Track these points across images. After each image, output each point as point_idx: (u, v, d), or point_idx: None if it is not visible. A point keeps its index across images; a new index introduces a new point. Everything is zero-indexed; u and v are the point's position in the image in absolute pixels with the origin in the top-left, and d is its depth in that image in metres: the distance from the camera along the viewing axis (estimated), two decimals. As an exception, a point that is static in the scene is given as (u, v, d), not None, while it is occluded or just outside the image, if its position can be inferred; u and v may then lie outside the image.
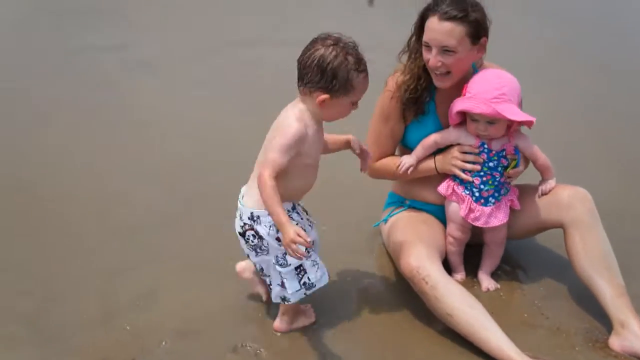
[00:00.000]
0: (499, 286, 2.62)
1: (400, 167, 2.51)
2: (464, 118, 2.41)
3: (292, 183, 2.15)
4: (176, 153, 3.76)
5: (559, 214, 2.47)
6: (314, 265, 2.22)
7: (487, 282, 2.62)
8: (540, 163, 2.50)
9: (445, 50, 2.29)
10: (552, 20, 6.79)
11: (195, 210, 3.16)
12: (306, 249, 2.05)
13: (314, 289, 2.24)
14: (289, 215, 2.07)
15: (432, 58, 2.33)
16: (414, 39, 2.44)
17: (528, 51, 5.70)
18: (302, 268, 2.20)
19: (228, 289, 2.56)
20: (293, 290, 2.21)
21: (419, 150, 2.50)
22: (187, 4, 7.05)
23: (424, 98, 2.48)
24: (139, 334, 2.33)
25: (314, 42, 2.08)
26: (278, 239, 2.12)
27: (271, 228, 2.14)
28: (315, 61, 2.03)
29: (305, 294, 2.24)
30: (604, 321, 2.37)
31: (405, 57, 2.50)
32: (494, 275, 2.67)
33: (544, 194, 2.51)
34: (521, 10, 6.83)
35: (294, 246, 1.96)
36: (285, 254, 2.12)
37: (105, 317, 2.41)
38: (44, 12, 6.60)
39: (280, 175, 2.04)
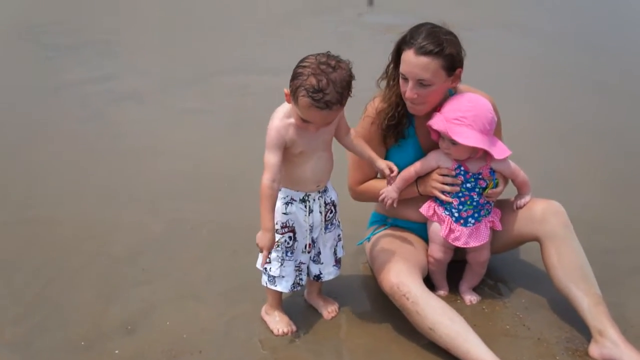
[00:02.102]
0: (480, 298, 2.67)
1: (383, 202, 2.55)
2: None
3: (290, 173, 2.30)
4: (164, 179, 3.81)
5: (533, 228, 2.52)
6: (279, 262, 2.36)
7: (469, 295, 2.68)
8: (519, 180, 2.56)
9: (421, 83, 2.34)
10: (535, 38, 6.92)
11: (184, 234, 3.20)
12: (287, 252, 2.34)
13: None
14: (290, 203, 2.32)
15: (408, 90, 2.38)
16: (391, 66, 2.50)
17: (510, 68, 5.81)
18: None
19: (217, 310, 2.60)
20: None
21: (399, 183, 2.53)
22: (173, 35, 7.14)
23: (403, 124, 2.54)
24: (127, 357, 2.35)
25: (327, 54, 2.12)
26: None
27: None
28: (299, 62, 2.12)
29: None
30: (584, 330, 2.41)
31: (383, 83, 2.55)
32: (477, 287, 2.73)
33: (518, 208, 2.57)
34: (505, 29, 6.97)
35: (258, 248, 2.21)
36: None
37: (95, 341, 2.43)
38: (29, 45, 6.67)
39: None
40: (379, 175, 2.70)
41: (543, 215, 2.50)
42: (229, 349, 2.39)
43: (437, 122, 2.38)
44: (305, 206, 2.36)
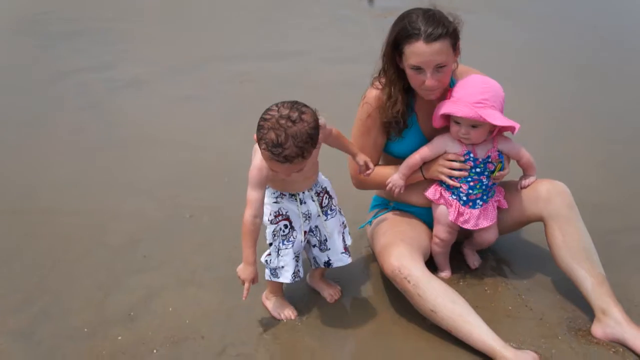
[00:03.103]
0: (480, 261, 2.70)
1: (391, 191, 2.53)
2: (448, 122, 2.44)
3: (277, 184, 2.33)
4: (163, 167, 3.80)
5: (538, 208, 2.51)
6: (277, 253, 2.36)
7: (472, 258, 2.70)
8: (524, 161, 2.54)
9: (438, 68, 2.30)
10: (528, 22, 6.89)
11: (184, 221, 3.20)
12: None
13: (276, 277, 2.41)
14: (279, 200, 2.34)
15: (429, 80, 2.31)
16: (388, 67, 2.42)
17: (506, 53, 5.78)
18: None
19: (219, 296, 2.60)
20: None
21: (405, 169, 2.51)
22: (171, 23, 7.11)
23: (406, 116, 2.51)
24: (131, 343, 2.36)
25: (292, 105, 2.09)
26: None
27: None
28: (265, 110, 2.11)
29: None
30: (586, 310, 2.42)
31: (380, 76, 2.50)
32: (480, 269, 2.72)
33: (523, 187, 2.56)
34: (498, 14, 6.94)
35: (240, 280, 2.28)
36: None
37: (98, 328, 2.44)
38: (26, 34, 6.65)
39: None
40: (380, 162, 2.68)
41: (548, 195, 2.49)
42: (231, 334, 2.39)
43: (462, 109, 2.31)
44: (296, 199, 2.35)
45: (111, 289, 2.67)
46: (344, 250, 2.47)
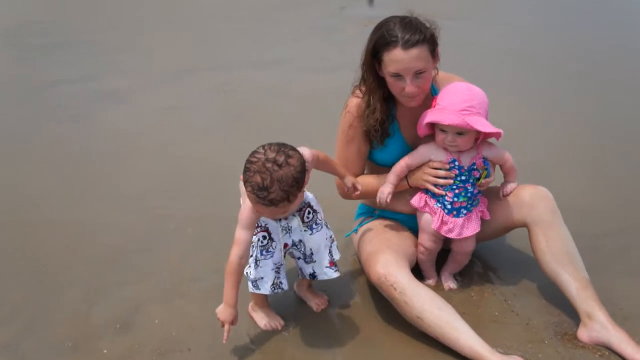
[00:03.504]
0: (457, 286, 2.68)
1: (381, 201, 2.51)
2: (433, 130, 2.44)
3: None
4: (146, 178, 3.78)
5: (522, 213, 2.52)
6: (255, 264, 2.32)
7: (448, 281, 2.69)
8: (508, 166, 2.54)
9: (418, 74, 2.30)
10: (507, 29, 6.96)
11: (168, 232, 3.18)
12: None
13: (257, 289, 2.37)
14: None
15: (408, 87, 2.32)
16: (367, 74, 2.43)
17: (487, 59, 5.83)
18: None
19: (205, 308, 2.57)
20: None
21: (392, 178, 2.51)
22: (153, 34, 7.11)
23: (387, 124, 2.51)
24: (116, 356, 2.34)
25: (278, 148, 2.08)
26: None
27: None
28: (252, 151, 2.11)
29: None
30: (572, 314, 2.43)
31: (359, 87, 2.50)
32: (466, 275, 2.73)
33: (505, 195, 2.56)
34: (477, 21, 7.00)
35: (219, 322, 2.26)
36: None
37: (83, 341, 2.41)
38: (10, 45, 6.61)
39: None
40: (365, 171, 2.69)
41: (531, 200, 2.50)
42: (217, 346, 2.37)
43: (448, 117, 2.30)
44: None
45: (96, 302, 2.65)
46: (329, 265, 2.42)
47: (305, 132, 4.32)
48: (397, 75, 2.31)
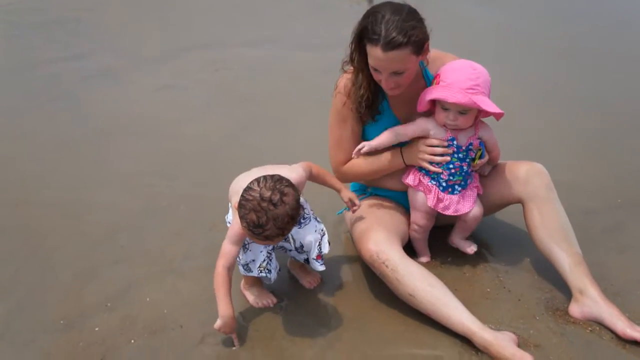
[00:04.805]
0: (476, 248, 2.65)
1: (362, 147, 2.44)
2: (432, 107, 2.42)
3: None
4: (140, 156, 3.76)
5: (517, 189, 2.53)
6: (244, 247, 2.31)
7: (467, 245, 2.64)
8: (495, 155, 2.54)
9: (395, 73, 2.27)
10: (503, 6, 6.92)
11: (160, 210, 3.17)
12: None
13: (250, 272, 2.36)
14: None
15: (383, 82, 2.30)
16: (355, 55, 2.37)
17: (486, 39, 5.80)
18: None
19: (197, 285, 2.58)
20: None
21: (383, 137, 2.46)
22: (144, 12, 7.03)
23: (377, 102, 2.48)
24: (108, 334, 2.34)
25: (274, 185, 2.08)
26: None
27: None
28: (248, 185, 2.10)
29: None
30: (564, 290, 2.44)
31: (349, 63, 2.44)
32: (458, 252, 2.71)
33: (484, 176, 2.60)
34: (476, 1, 6.95)
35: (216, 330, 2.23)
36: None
37: (75, 320, 2.41)
38: (2, 24, 6.54)
39: None
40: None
41: (526, 176, 2.50)
42: (210, 323, 2.36)
43: (455, 95, 2.27)
44: None
45: (88, 280, 2.64)
46: (315, 258, 2.39)
47: (299, 109, 4.30)
48: (376, 69, 2.29)
